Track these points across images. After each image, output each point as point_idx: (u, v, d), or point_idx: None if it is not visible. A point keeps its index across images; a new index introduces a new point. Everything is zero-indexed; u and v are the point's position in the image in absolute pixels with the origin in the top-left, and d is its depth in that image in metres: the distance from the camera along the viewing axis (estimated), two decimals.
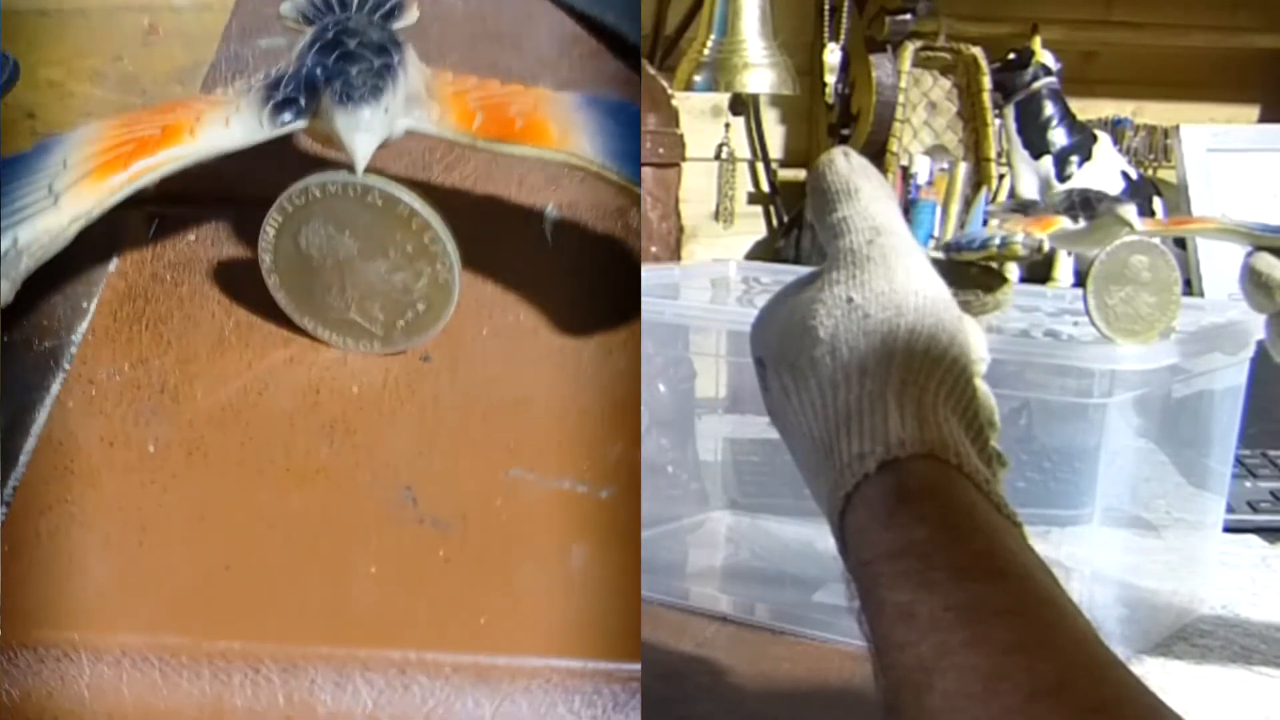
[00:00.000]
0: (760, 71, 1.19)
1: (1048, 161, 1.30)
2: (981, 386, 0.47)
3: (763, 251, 1.42)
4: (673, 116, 1.21)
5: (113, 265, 0.66)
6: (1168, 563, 0.82)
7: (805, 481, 0.47)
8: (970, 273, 0.64)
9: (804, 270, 0.52)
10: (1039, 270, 1.22)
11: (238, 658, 0.49)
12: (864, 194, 0.49)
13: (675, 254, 1.21)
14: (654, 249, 1.17)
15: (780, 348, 0.48)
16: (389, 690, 0.49)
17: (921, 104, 1.36)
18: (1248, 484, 0.96)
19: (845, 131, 1.36)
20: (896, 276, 0.47)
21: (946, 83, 1.37)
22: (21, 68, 0.71)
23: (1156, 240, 0.71)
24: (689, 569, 0.87)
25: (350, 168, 0.58)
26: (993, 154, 1.34)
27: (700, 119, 1.38)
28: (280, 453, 0.57)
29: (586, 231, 0.69)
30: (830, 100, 1.36)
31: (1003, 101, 1.32)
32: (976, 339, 0.48)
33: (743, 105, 1.40)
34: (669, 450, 0.90)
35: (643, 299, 0.64)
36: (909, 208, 1.31)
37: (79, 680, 0.49)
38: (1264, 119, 1.51)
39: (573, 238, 0.69)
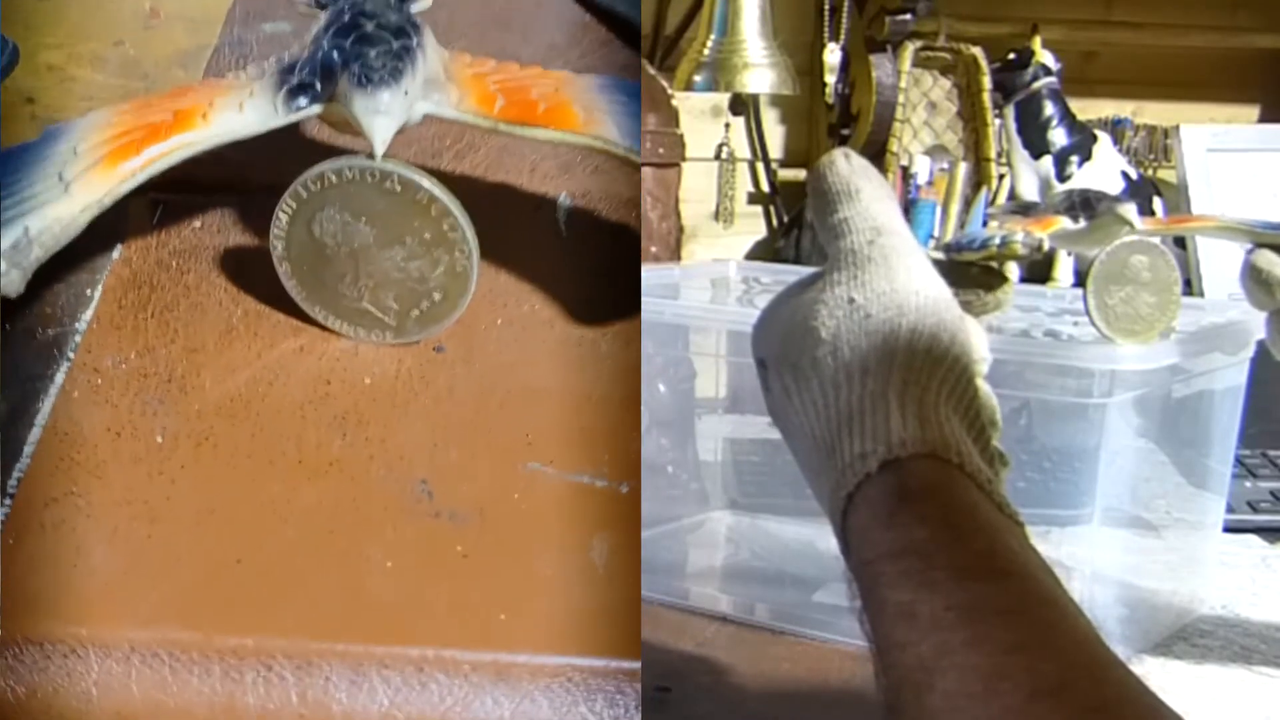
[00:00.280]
0: (760, 71, 1.19)
1: (1048, 161, 1.29)
2: (983, 386, 0.47)
3: (763, 251, 1.41)
4: (673, 116, 1.21)
5: (117, 252, 0.64)
6: (1168, 563, 0.82)
7: (807, 481, 0.47)
8: (970, 273, 0.63)
9: (804, 270, 0.52)
10: (1039, 270, 1.22)
11: (250, 654, 0.48)
12: (865, 195, 0.49)
13: (675, 254, 1.21)
14: (654, 249, 1.16)
15: (782, 348, 0.48)
16: (406, 688, 0.48)
17: (921, 104, 1.35)
18: (1248, 484, 0.96)
19: (845, 131, 1.36)
20: (898, 277, 0.47)
21: (946, 83, 1.36)
22: (21, 52, 0.69)
23: (1156, 240, 0.71)
24: (689, 569, 0.87)
25: (367, 154, 0.56)
26: (993, 154, 1.34)
27: (700, 119, 1.38)
28: (291, 445, 0.56)
29: (601, 220, 0.68)
30: (830, 100, 1.35)
31: (1003, 101, 1.31)
32: (978, 339, 0.48)
33: (743, 105, 1.40)
34: (669, 450, 0.89)
35: (643, 299, 0.63)
36: (909, 208, 1.31)
37: (86, 677, 0.48)
38: (1264, 119, 1.51)
39: (587, 226, 0.68)
